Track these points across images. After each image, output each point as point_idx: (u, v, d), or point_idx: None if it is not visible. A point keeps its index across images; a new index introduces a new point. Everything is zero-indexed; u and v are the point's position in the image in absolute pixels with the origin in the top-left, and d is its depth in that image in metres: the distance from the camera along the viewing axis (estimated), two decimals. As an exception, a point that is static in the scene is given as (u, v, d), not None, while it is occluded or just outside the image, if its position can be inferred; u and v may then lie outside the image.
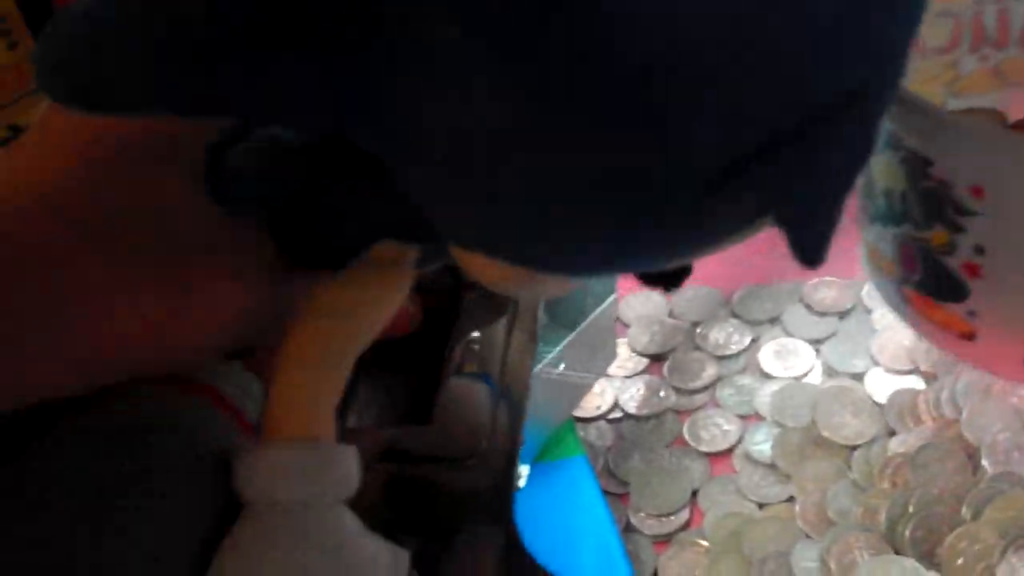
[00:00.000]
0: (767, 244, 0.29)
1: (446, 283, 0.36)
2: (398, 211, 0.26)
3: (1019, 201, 0.44)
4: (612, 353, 0.58)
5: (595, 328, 0.55)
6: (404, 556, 0.30)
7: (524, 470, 0.48)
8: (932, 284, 0.48)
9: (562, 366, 0.53)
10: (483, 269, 0.26)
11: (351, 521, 0.29)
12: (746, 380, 0.62)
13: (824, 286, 0.66)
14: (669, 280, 0.32)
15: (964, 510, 0.52)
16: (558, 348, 0.52)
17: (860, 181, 0.45)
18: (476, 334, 0.37)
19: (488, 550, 0.33)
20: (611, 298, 0.54)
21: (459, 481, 0.32)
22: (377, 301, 0.30)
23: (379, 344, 0.33)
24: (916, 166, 0.44)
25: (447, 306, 0.36)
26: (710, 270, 0.67)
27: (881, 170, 0.48)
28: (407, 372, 0.36)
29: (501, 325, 0.36)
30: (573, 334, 0.53)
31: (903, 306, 0.52)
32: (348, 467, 0.29)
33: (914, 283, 0.50)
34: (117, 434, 0.27)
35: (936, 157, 0.44)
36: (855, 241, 0.66)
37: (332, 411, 0.29)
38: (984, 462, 0.54)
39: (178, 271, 0.27)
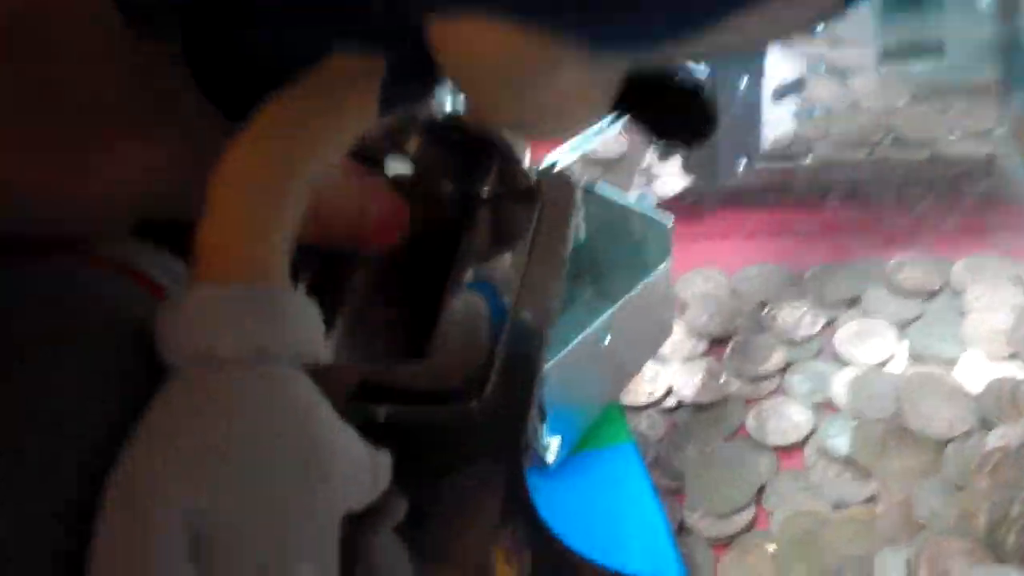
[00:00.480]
0: (843, 219, 0.23)
1: (447, 194, 0.30)
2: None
3: None
4: (667, 328, 0.51)
5: (647, 298, 0.48)
6: (385, 460, 0.23)
7: (555, 442, 0.41)
8: None
9: (608, 339, 0.46)
10: (474, 45, 0.20)
11: (317, 397, 0.23)
12: (820, 366, 0.55)
13: (909, 265, 0.58)
14: (693, 131, 0.28)
15: (1077, 513, 0.45)
16: (602, 318, 0.46)
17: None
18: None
19: (486, 492, 0.26)
20: (665, 263, 0.47)
21: (451, 418, 0.25)
22: (335, 114, 0.23)
23: (368, 270, 0.27)
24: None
25: (450, 224, 0.29)
26: (776, 246, 0.60)
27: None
28: (402, 304, 0.30)
29: (520, 250, 0.30)
30: (620, 303, 0.46)
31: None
32: (307, 322, 0.23)
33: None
34: (24, 299, 0.21)
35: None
36: (942, 218, 0.59)
37: (283, 249, 0.22)
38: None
39: (76, 121, 0.21)
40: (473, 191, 0.30)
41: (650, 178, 0.53)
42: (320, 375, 0.23)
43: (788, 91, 0.57)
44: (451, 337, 0.27)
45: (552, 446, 0.40)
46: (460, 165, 0.30)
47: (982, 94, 0.64)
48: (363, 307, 0.28)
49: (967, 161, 0.61)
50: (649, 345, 0.51)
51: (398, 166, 0.30)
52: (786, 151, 0.59)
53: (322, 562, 0.22)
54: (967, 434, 0.49)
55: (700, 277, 0.60)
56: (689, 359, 0.56)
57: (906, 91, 0.64)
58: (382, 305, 0.29)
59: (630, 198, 0.49)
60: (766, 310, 0.58)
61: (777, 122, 0.58)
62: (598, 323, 0.45)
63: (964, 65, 0.64)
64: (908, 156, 0.61)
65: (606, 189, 0.49)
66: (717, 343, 0.57)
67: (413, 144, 0.30)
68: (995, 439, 0.49)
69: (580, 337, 0.45)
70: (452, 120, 0.31)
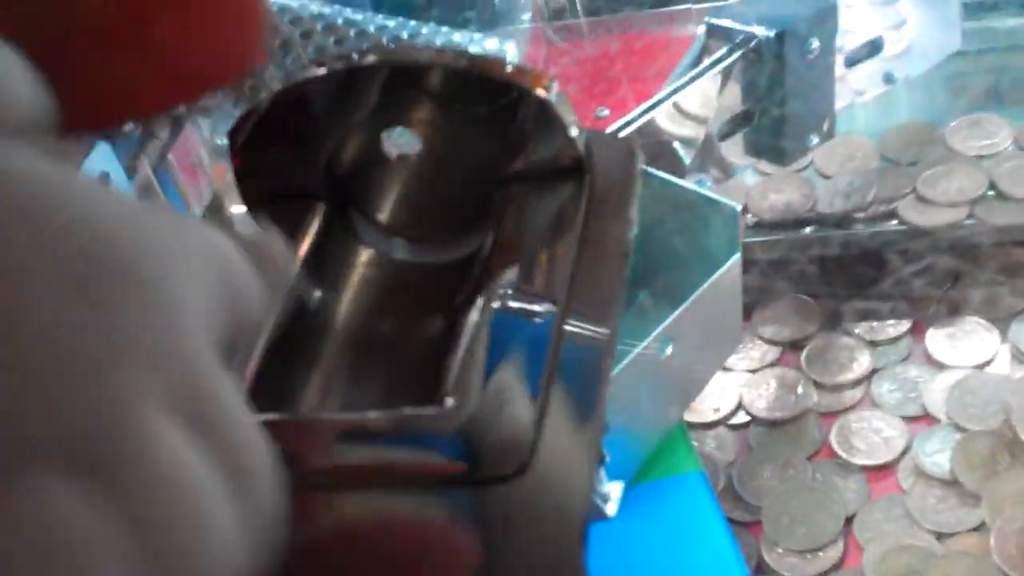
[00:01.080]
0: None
1: (463, 172, 0.22)
2: None
3: None
4: (737, 333, 0.44)
5: (715, 298, 0.41)
6: (277, 243, 0.17)
7: (616, 489, 0.35)
8: None
9: (669, 350, 0.39)
10: None
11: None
12: (911, 371, 0.48)
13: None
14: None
15: None
16: (663, 325, 0.39)
17: None
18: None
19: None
20: (735, 257, 0.41)
21: (484, 505, 0.19)
22: None
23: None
24: None
25: (468, 213, 0.22)
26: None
27: None
28: (402, 328, 0.22)
29: (567, 243, 0.22)
30: (684, 305, 0.39)
31: None
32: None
33: None
34: None
35: None
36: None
37: None
38: None
39: None
40: (500, 166, 0.23)
41: (707, 161, 0.46)
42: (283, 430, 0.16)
43: (865, 54, 0.50)
44: (473, 374, 0.20)
45: (613, 494, 0.34)
46: (482, 128, 0.23)
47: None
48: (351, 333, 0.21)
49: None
50: (717, 354, 0.44)
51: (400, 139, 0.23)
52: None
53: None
54: (1092, 449, 0.42)
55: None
56: (760, 368, 0.49)
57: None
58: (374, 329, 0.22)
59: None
60: (846, 306, 0.51)
61: (852, 92, 0.51)
62: (658, 331, 0.39)
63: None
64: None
65: (657, 172, 0.42)
66: (792, 348, 0.50)
67: (413, 100, 0.23)
68: None
69: (637, 349, 0.38)
70: (471, 61, 0.23)
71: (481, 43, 0.43)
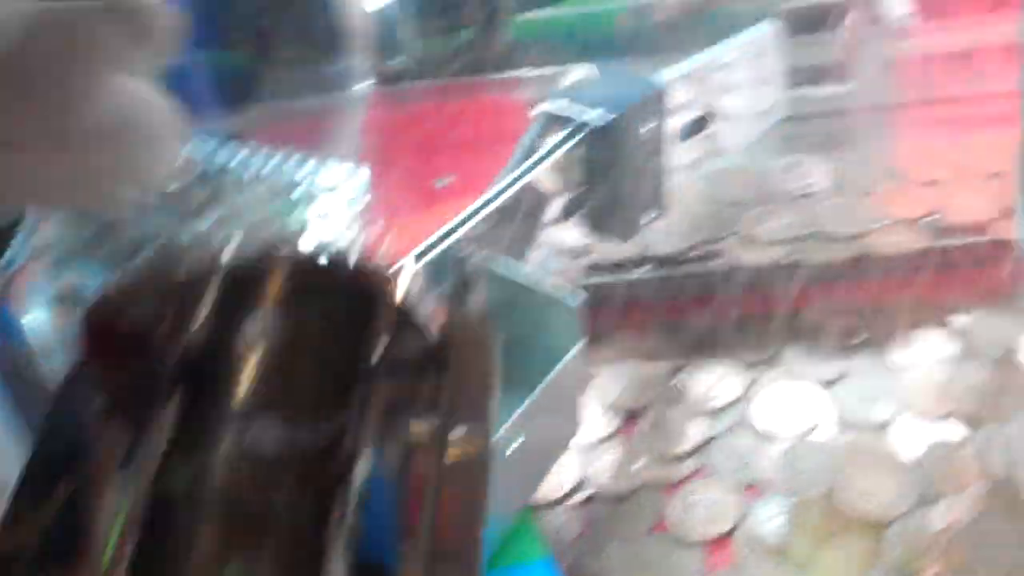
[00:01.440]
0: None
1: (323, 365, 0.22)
2: None
3: None
4: (580, 418, 0.45)
5: (559, 388, 0.42)
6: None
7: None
8: None
9: (518, 442, 0.40)
10: None
11: None
12: (744, 439, 0.50)
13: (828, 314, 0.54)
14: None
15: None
16: (509, 421, 0.40)
17: None
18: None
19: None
20: (576, 347, 0.42)
21: None
22: None
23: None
24: None
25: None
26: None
27: None
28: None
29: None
30: (529, 400, 0.40)
31: None
32: None
33: None
34: None
35: None
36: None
37: None
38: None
39: None
40: (357, 358, 0.23)
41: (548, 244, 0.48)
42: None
43: (696, 129, 0.52)
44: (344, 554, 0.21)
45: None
46: (342, 324, 0.23)
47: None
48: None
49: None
50: (563, 439, 0.45)
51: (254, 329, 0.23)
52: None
53: None
54: (909, 512, 0.45)
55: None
56: (602, 440, 0.50)
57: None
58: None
59: (529, 271, 0.43)
60: (680, 374, 0.52)
61: (683, 167, 0.52)
62: (506, 426, 0.40)
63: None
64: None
65: (503, 265, 0.43)
66: (633, 417, 0.51)
67: (273, 289, 0.23)
68: (940, 516, 0.44)
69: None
70: (330, 256, 0.24)
71: (327, 170, 0.43)
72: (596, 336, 0.50)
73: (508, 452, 0.40)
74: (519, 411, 0.40)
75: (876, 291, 0.53)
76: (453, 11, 0.64)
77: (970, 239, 0.53)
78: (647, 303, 0.53)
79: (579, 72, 0.50)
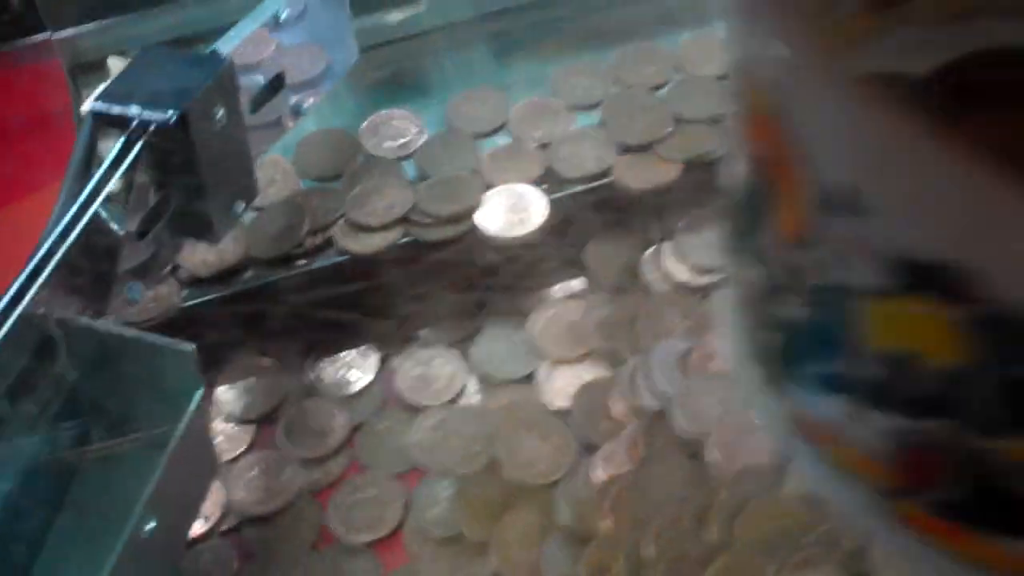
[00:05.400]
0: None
1: None
2: None
3: None
4: (215, 460, 0.40)
5: (188, 444, 0.36)
6: None
7: None
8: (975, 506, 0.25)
9: (153, 522, 0.35)
10: None
11: None
12: (387, 422, 0.46)
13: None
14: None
15: (713, 534, 0.41)
16: (142, 502, 0.34)
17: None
18: None
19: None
20: (196, 395, 0.36)
21: None
22: None
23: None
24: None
25: None
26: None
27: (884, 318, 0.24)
28: None
29: None
30: (158, 474, 0.35)
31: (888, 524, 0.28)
32: None
33: (927, 499, 0.26)
34: None
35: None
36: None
37: None
38: (710, 459, 0.43)
39: None
40: None
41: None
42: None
43: (269, 95, 0.47)
44: None
45: None
46: None
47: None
48: None
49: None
50: (202, 490, 0.40)
51: None
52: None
53: None
54: (572, 470, 0.44)
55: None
56: (238, 455, 0.46)
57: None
58: None
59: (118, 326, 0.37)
60: (306, 371, 0.48)
61: (268, 139, 0.47)
62: (138, 511, 0.34)
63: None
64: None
65: (85, 320, 0.37)
66: (266, 422, 0.47)
67: None
68: (603, 467, 0.44)
69: (122, 540, 0.33)
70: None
71: None
72: (213, 361, 0.45)
73: (143, 536, 0.35)
74: (147, 488, 0.34)
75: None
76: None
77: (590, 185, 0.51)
78: (260, 310, 0.48)
79: (120, 60, 0.42)
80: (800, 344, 0.26)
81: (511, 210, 0.49)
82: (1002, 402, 0.21)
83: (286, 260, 0.49)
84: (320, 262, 0.50)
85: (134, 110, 0.40)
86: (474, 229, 0.49)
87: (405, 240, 0.50)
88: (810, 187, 0.22)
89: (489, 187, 0.50)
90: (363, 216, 0.50)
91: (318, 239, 0.50)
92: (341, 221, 0.50)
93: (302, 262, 0.50)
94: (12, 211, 0.52)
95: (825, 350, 0.25)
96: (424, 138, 0.54)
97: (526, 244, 0.49)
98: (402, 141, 0.54)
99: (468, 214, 0.49)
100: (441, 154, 0.53)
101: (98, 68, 0.55)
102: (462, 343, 0.48)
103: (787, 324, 0.26)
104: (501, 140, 0.53)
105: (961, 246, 0.19)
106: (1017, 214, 0.18)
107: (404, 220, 0.50)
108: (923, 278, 0.20)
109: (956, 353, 0.21)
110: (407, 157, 0.53)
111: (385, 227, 0.49)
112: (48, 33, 0.56)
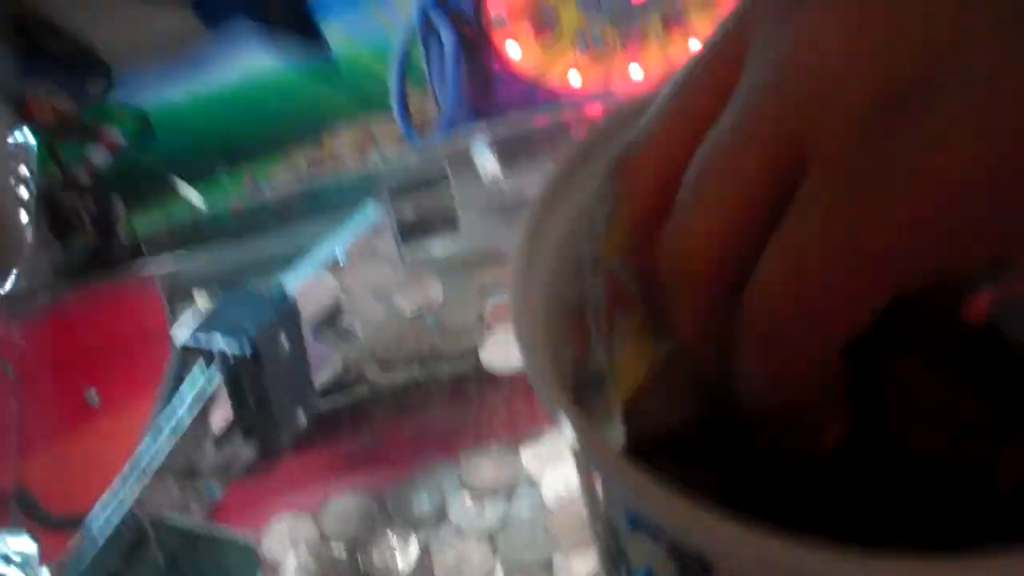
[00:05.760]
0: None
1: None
2: None
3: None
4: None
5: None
6: None
7: None
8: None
9: None
10: None
11: None
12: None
13: (481, 457, 0.59)
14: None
15: None
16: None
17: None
18: None
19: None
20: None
21: None
22: None
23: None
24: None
25: None
26: (354, 479, 0.59)
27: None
28: None
29: None
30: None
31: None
32: None
33: None
34: None
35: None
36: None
37: None
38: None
39: None
40: None
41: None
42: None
43: (326, 326, 0.56)
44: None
45: None
46: None
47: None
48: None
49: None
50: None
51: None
52: (341, 382, 0.58)
53: None
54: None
55: (286, 525, 0.57)
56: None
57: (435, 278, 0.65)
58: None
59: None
60: (362, 552, 0.56)
61: (326, 359, 0.56)
62: None
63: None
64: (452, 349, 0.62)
65: (177, 516, 0.45)
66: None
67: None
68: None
69: None
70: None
71: None
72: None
73: None
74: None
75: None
76: (64, 220, 0.65)
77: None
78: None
79: (207, 300, 0.52)
80: None
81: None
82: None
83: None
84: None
85: (216, 343, 0.49)
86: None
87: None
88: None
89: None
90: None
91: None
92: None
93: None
94: (112, 416, 0.61)
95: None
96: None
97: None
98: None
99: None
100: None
101: (188, 294, 0.66)
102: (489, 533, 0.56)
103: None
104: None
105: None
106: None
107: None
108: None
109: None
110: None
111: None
112: (148, 264, 0.66)
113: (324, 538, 0.57)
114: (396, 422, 0.59)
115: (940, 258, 0.24)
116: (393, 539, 0.56)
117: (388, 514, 0.57)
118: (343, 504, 0.58)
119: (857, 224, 0.24)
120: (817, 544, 0.25)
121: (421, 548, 0.56)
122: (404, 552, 0.56)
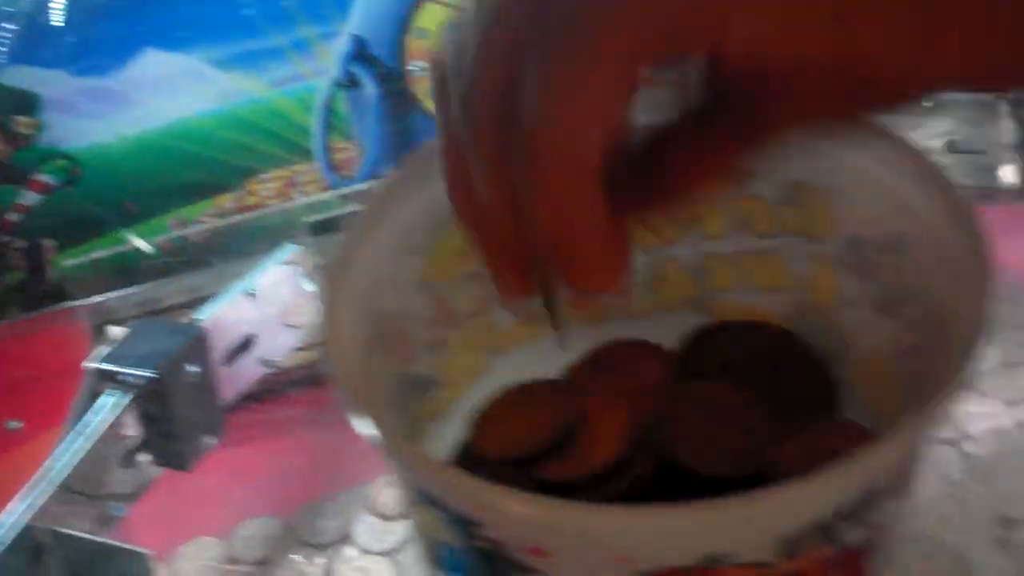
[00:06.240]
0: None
1: None
2: None
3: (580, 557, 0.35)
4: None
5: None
6: None
7: None
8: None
9: None
10: None
11: None
12: None
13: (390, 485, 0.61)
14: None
15: None
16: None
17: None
18: None
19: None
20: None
21: None
22: None
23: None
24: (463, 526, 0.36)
25: None
26: (264, 496, 0.61)
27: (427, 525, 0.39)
28: None
29: None
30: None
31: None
32: None
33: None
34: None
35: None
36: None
37: None
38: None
39: None
40: None
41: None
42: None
43: (239, 352, 0.59)
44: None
45: None
46: None
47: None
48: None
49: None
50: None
51: None
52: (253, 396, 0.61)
53: None
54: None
55: (194, 548, 0.59)
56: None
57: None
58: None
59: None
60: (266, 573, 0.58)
61: (237, 378, 0.59)
62: None
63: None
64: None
65: (69, 531, 0.48)
66: None
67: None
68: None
69: None
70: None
71: None
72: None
73: None
74: None
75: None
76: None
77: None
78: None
79: (120, 330, 0.55)
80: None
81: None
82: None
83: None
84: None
85: (124, 368, 0.52)
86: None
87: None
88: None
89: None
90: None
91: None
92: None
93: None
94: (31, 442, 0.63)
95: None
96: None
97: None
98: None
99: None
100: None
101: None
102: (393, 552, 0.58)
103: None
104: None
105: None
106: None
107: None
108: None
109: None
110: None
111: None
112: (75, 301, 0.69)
113: (233, 559, 0.59)
114: (305, 446, 0.62)
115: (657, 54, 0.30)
116: (299, 558, 0.59)
117: (295, 537, 0.60)
118: (252, 527, 0.60)
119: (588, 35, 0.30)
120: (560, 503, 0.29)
121: (325, 568, 0.58)
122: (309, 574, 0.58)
